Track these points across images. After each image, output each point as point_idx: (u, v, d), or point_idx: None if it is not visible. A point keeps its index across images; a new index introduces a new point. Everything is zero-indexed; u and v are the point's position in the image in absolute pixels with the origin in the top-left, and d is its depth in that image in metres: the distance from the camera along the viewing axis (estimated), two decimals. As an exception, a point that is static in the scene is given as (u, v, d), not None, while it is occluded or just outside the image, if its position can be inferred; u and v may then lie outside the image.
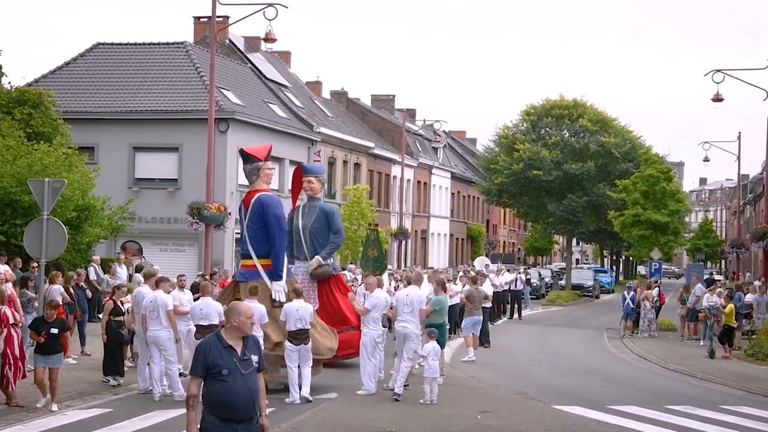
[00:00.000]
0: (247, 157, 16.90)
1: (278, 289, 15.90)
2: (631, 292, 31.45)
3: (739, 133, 49.63)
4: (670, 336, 30.99)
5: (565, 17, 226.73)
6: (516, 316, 36.45)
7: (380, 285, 18.04)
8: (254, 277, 16.07)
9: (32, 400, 14.21)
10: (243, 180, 20.99)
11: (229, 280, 20.94)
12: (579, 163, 51.82)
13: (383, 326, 17.41)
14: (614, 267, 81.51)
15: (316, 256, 18.96)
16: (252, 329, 7.74)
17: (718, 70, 29.62)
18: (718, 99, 31.16)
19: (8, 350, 13.90)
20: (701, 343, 27.46)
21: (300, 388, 15.16)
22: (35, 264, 18.53)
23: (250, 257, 16.25)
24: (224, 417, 7.36)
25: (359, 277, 24.43)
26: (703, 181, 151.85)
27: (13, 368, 13.92)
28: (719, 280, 40.29)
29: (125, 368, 16.87)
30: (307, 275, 19.03)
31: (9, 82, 29.88)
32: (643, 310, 30.70)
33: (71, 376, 16.78)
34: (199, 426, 7.43)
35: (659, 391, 18.51)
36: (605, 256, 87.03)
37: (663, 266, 50.02)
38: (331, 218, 19.53)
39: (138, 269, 21.03)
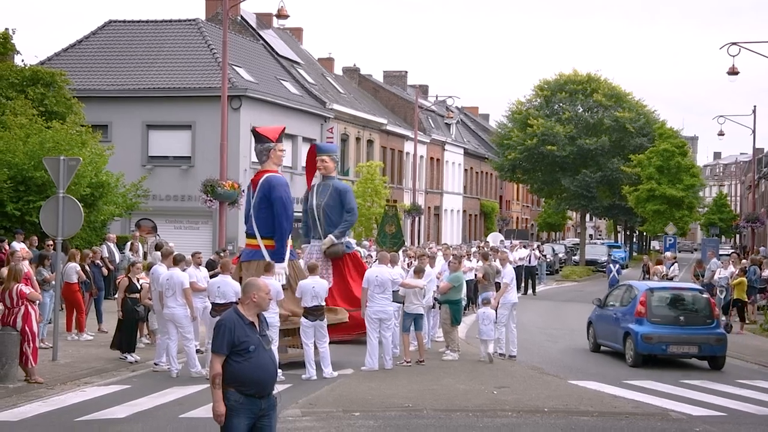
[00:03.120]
0: (258, 137, 16.78)
1: (279, 271, 15.59)
2: (617, 266, 34.54)
3: (755, 106, 49.39)
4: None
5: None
6: (530, 291, 36.49)
7: (395, 261, 17.98)
8: (257, 257, 15.97)
9: (51, 378, 14.30)
10: (255, 158, 20.94)
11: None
12: (593, 138, 51.53)
13: (397, 302, 17.31)
14: (628, 242, 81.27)
15: (330, 235, 19.10)
16: (269, 305, 7.77)
17: (734, 43, 29.29)
18: (733, 72, 30.89)
19: (27, 327, 13.91)
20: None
21: (322, 369, 15.11)
22: (51, 242, 18.60)
23: (255, 237, 16.17)
24: (249, 393, 7.34)
25: (374, 253, 24.43)
26: (717, 155, 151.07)
27: (32, 345, 13.96)
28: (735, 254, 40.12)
29: (142, 345, 16.91)
30: (321, 254, 19.12)
31: (22, 60, 29.96)
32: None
33: (89, 354, 16.88)
34: None
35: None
36: (619, 232, 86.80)
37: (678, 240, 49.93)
38: (345, 197, 19.68)
39: (158, 248, 21.08)
